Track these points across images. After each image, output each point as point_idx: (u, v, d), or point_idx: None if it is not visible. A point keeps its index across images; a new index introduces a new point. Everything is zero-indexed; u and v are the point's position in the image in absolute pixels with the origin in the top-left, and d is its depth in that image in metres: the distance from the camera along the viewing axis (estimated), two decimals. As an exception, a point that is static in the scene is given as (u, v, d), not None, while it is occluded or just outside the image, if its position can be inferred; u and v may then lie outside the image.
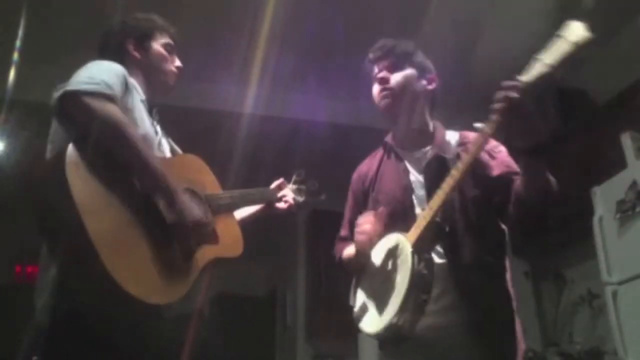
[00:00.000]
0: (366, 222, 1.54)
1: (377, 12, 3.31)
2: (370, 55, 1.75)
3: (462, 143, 1.63)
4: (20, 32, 3.10)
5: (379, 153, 1.79)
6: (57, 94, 1.32)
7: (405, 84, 1.66)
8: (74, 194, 1.21)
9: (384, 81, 1.69)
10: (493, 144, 1.60)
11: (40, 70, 3.31)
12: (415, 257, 1.40)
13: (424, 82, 1.70)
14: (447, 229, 1.49)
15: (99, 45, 1.69)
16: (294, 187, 2.06)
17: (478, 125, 1.40)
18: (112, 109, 1.33)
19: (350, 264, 1.66)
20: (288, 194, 1.98)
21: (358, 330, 1.57)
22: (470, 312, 1.46)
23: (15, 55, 3.19)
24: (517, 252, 3.87)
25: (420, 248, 1.42)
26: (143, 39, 1.67)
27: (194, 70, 1.69)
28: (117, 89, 1.39)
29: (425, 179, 1.60)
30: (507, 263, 1.61)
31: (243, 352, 5.48)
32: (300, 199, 2.05)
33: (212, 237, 1.50)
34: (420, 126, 1.69)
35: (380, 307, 1.45)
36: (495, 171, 1.55)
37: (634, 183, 2.83)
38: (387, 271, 1.47)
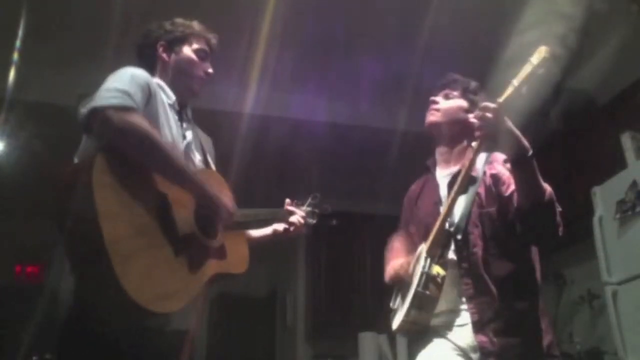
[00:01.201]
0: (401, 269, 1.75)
1: (377, 12, 3.31)
2: (437, 84, 1.90)
3: (490, 162, 1.77)
4: (20, 32, 3.10)
5: (426, 177, 1.96)
6: (84, 111, 1.40)
7: (451, 111, 1.84)
8: (96, 199, 1.26)
9: (434, 102, 1.86)
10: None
11: (40, 70, 3.31)
12: (428, 260, 1.60)
13: (470, 115, 1.80)
14: (458, 236, 1.65)
15: (137, 45, 1.77)
16: (308, 209, 2.09)
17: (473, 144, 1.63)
18: (137, 121, 1.40)
19: (390, 279, 1.87)
20: (299, 217, 2.00)
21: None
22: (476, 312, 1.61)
23: (15, 55, 3.19)
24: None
25: (433, 253, 1.63)
26: (175, 42, 1.73)
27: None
28: (139, 99, 1.46)
29: (448, 192, 1.73)
30: (537, 274, 1.71)
31: (243, 352, 5.48)
32: (313, 221, 2.10)
33: (220, 253, 1.56)
34: (457, 149, 1.85)
35: (402, 306, 1.67)
36: (509, 189, 1.67)
37: (634, 183, 2.82)
38: (412, 276, 1.67)
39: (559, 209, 1.60)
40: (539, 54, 1.57)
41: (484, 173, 1.73)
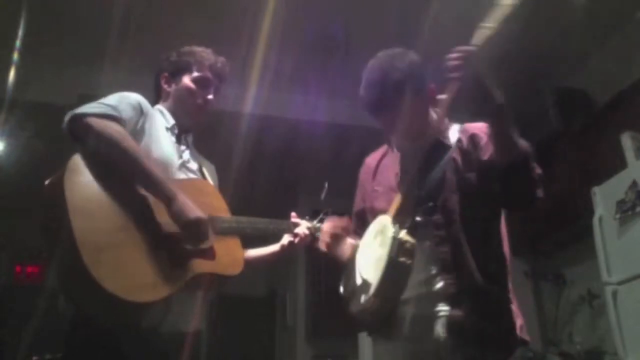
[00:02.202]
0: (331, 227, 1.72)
1: (377, 12, 3.31)
2: (364, 107, 1.71)
3: (464, 130, 1.68)
4: (20, 32, 3.10)
5: (385, 147, 1.86)
6: (66, 117, 1.47)
7: (406, 117, 1.65)
8: (67, 196, 1.34)
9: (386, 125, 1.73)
10: (484, 127, 1.63)
11: (40, 70, 3.31)
12: (396, 226, 1.49)
13: (422, 97, 1.67)
14: (430, 203, 1.56)
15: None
16: (318, 225, 2.02)
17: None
18: (111, 126, 1.47)
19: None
20: (304, 229, 1.97)
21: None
22: (451, 284, 1.53)
23: (15, 55, 3.19)
24: (517, 252, 3.86)
25: (400, 220, 1.52)
26: (176, 73, 1.80)
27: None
28: (126, 114, 1.53)
29: (421, 162, 1.62)
30: (505, 250, 1.64)
31: (243, 352, 5.48)
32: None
33: (208, 253, 1.56)
34: (422, 125, 1.70)
35: (367, 282, 1.52)
36: (486, 154, 1.59)
37: (634, 183, 2.83)
38: (373, 250, 1.56)
39: (537, 169, 1.53)
40: None
41: (459, 140, 1.65)
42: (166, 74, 1.81)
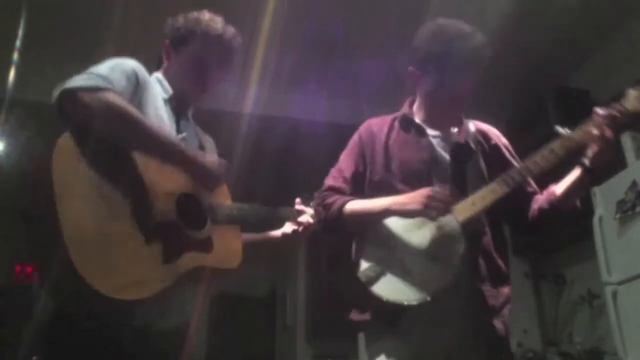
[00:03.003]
0: (447, 196, 1.49)
1: (377, 12, 3.31)
2: (476, 56, 1.70)
3: (479, 132, 1.71)
4: (20, 32, 3.10)
5: (389, 120, 1.79)
6: (55, 93, 1.33)
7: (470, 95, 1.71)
8: (55, 180, 1.21)
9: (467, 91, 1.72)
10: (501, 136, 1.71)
11: (40, 70, 3.31)
12: (464, 237, 1.45)
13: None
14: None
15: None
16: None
17: (563, 130, 1.51)
18: (108, 96, 1.32)
19: (359, 220, 1.60)
20: (308, 217, 1.86)
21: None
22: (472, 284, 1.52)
23: (15, 55, 3.19)
24: (517, 252, 3.87)
25: (466, 229, 1.48)
26: (177, 43, 1.65)
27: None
28: (119, 84, 1.38)
29: (452, 160, 1.62)
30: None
31: (243, 352, 5.48)
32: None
33: (204, 245, 1.47)
34: (450, 114, 1.73)
35: (413, 277, 1.46)
36: (528, 190, 1.66)
37: (634, 183, 2.82)
38: (424, 243, 1.49)
39: None
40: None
41: (479, 143, 1.67)
42: (167, 42, 1.66)
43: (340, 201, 1.63)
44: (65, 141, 1.28)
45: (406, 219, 1.53)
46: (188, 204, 1.46)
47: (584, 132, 1.48)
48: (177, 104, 1.63)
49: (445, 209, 1.47)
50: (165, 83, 1.62)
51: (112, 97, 1.33)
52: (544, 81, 3.76)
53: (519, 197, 1.62)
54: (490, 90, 1.61)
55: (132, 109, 1.36)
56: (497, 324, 1.51)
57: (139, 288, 1.29)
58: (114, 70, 1.40)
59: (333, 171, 1.76)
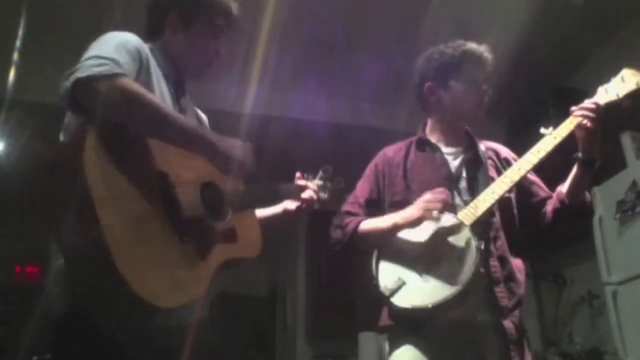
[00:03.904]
0: (441, 194, 1.62)
1: (377, 12, 3.31)
2: (484, 62, 1.81)
3: (490, 149, 1.84)
4: (20, 32, 3.10)
5: (405, 145, 1.90)
6: (67, 83, 1.22)
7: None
8: (90, 183, 1.12)
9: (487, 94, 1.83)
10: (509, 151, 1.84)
11: (40, 70, 3.31)
12: (476, 237, 1.55)
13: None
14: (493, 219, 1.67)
15: (148, 6, 1.60)
16: (320, 183, 1.92)
17: (546, 130, 1.66)
18: (128, 85, 1.25)
19: (373, 237, 1.70)
20: (311, 192, 1.83)
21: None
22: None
23: (15, 55, 3.19)
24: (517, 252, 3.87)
25: (476, 231, 1.57)
26: (187, 15, 1.54)
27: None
28: (129, 66, 1.32)
29: (467, 173, 1.75)
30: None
31: (243, 352, 5.48)
32: (325, 196, 1.92)
33: (230, 236, 1.41)
34: (457, 130, 1.86)
35: (432, 281, 1.53)
36: (541, 195, 1.80)
37: (634, 183, 2.83)
38: (438, 249, 1.58)
39: None
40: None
41: (489, 157, 1.79)
42: (175, 14, 1.54)
43: (355, 221, 1.76)
44: (93, 136, 1.18)
45: (416, 229, 1.63)
46: (210, 193, 1.39)
47: (564, 128, 1.64)
48: (176, 80, 1.56)
49: (443, 207, 1.59)
50: (162, 57, 1.53)
51: (129, 84, 1.25)
52: (544, 81, 3.76)
53: (533, 203, 1.77)
54: (490, 91, 1.60)
55: (150, 96, 1.29)
56: (507, 323, 1.59)
57: (184, 291, 1.24)
58: (119, 50, 1.32)
59: (350, 197, 1.88)
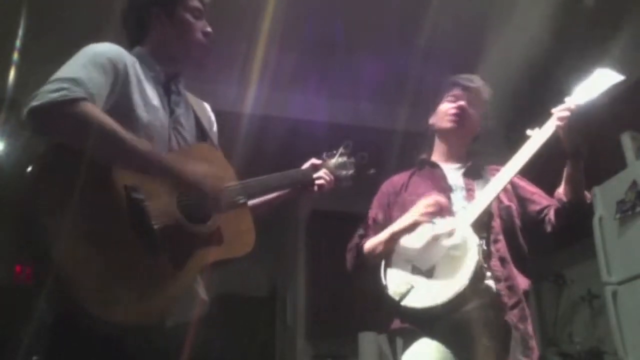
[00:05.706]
0: (435, 198, 1.73)
1: (377, 12, 3.31)
2: (462, 82, 1.94)
3: (492, 169, 1.90)
4: (20, 32, 3.10)
5: (410, 171, 2.02)
6: (25, 110, 1.23)
7: (476, 123, 1.95)
8: (41, 198, 1.18)
9: (462, 109, 1.91)
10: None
11: (40, 70, 3.31)
12: (476, 236, 1.62)
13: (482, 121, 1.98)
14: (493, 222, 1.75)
15: (123, 10, 1.59)
16: (341, 160, 1.92)
17: (531, 131, 1.76)
18: (78, 111, 1.23)
19: (377, 251, 1.80)
20: (324, 174, 1.81)
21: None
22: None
23: (15, 55, 3.19)
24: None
25: (476, 231, 1.65)
26: (167, 6, 1.52)
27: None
28: (97, 81, 1.29)
29: (466, 183, 1.85)
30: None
31: (243, 352, 5.48)
32: (349, 172, 1.91)
33: (214, 238, 1.39)
34: (465, 149, 1.97)
35: (438, 283, 1.61)
36: (543, 202, 1.85)
37: (634, 183, 2.83)
38: (440, 250, 1.64)
39: None
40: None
41: (491, 174, 1.84)
42: (158, 9, 1.52)
43: (360, 243, 1.89)
44: (48, 157, 1.22)
45: (416, 234, 1.70)
46: (189, 199, 1.37)
47: (547, 128, 1.76)
48: (167, 79, 1.52)
49: (438, 209, 1.69)
50: (149, 59, 1.50)
51: (83, 111, 1.23)
52: (544, 83, 3.76)
53: (535, 212, 1.84)
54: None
55: (107, 121, 1.25)
56: (509, 318, 1.65)
57: (144, 305, 1.23)
58: (86, 68, 1.30)
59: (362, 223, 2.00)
